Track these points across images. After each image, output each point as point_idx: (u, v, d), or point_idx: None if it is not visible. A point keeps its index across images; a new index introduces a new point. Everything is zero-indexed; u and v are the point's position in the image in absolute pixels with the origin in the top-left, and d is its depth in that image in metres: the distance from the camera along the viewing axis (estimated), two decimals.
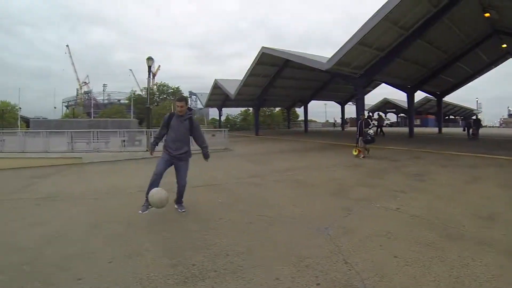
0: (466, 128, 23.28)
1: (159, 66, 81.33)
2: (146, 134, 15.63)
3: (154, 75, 79.73)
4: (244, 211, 5.21)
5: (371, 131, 11.63)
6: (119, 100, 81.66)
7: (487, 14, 17.18)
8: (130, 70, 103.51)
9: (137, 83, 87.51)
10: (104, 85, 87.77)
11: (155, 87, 71.90)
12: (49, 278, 3.08)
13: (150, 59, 17.53)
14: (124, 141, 15.03)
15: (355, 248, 3.65)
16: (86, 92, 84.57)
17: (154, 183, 4.96)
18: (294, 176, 8.36)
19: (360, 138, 11.85)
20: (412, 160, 11.02)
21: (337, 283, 2.87)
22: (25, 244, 3.93)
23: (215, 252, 3.57)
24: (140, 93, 73.68)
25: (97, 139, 14.89)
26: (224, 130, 18.18)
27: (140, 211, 5.03)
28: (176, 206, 5.30)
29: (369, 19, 14.67)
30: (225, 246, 3.74)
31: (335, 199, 5.99)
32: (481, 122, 25.07)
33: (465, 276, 2.98)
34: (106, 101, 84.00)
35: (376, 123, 25.28)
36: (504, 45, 23.17)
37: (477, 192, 6.32)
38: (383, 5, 14.02)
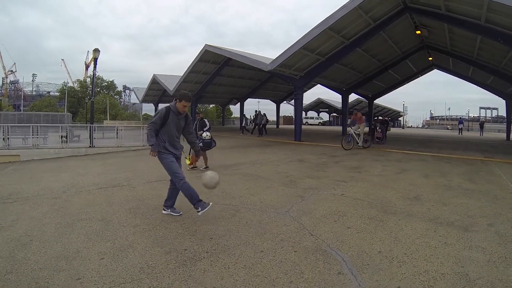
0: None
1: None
2: (90, 129, 15.19)
3: (87, 66, 75.36)
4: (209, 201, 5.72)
5: (205, 134, 9.03)
6: (48, 92, 75.87)
7: (418, 32, 19.76)
8: (62, 60, 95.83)
9: (69, 75, 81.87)
10: (34, 75, 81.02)
11: (88, 79, 68.23)
12: (45, 281, 2.96)
13: (96, 50, 16.64)
14: (64, 136, 14.56)
15: (316, 224, 4.53)
16: (12, 82, 77.60)
17: (189, 186, 4.72)
18: (243, 171, 8.99)
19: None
20: (348, 156, 12.42)
21: (309, 249, 3.70)
22: None
23: (199, 237, 3.98)
24: (73, 85, 69.31)
25: (37, 135, 14.14)
26: None
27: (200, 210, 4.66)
28: (169, 211, 5.01)
29: (315, 27, 15.97)
30: (206, 231, 4.19)
31: (287, 189, 6.78)
32: (389, 124, 23.82)
33: (401, 236, 4.11)
34: (34, 93, 77.63)
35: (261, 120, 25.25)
36: (431, 58, 26.67)
37: (405, 181, 7.70)
38: (328, 16, 15.42)
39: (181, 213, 4.98)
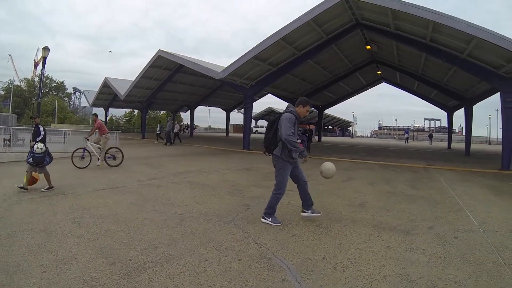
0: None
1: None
2: None
3: (36, 65, 70.92)
4: (155, 210, 5.57)
5: (36, 147, 6.83)
6: None
7: (368, 47, 20.91)
8: (10, 55, 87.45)
9: (16, 72, 76.00)
10: None
11: (37, 78, 63.98)
12: None
13: (46, 49, 15.96)
14: (7, 140, 13.60)
15: (260, 232, 4.51)
16: None
17: (279, 201, 5.01)
18: (190, 179, 8.87)
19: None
20: None
21: (254, 257, 3.67)
22: None
23: (144, 246, 3.90)
24: (19, 84, 64.69)
25: None
26: (116, 133, 17.64)
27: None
28: (309, 212, 5.18)
29: (268, 37, 16.32)
30: (151, 240, 4.11)
31: (233, 197, 6.77)
32: (313, 133, 23.15)
33: (345, 242, 4.20)
34: None
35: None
36: (379, 72, 28.28)
37: (351, 188, 7.99)
38: (282, 27, 15.84)
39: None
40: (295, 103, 5.07)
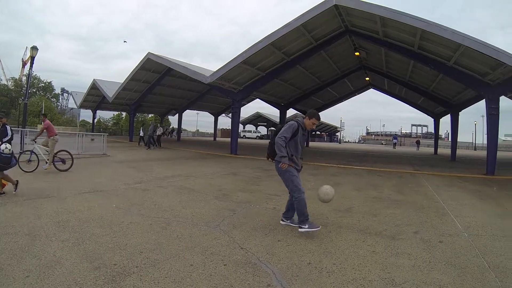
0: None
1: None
2: (21, 134, 14.02)
3: (24, 64, 69.95)
4: (140, 214, 5.52)
5: (4, 147, 6.59)
6: None
7: (357, 53, 21.03)
8: None
9: (3, 71, 74.58)
10: None
11: (24, 78, 63.09)
12: None
13: (34, 48, 15.74)
14: None
15: (246, 237, 4.49)
16: None
17: (305, 201, 4.81)
18: (177, 183, 8.82)
19: None
20: None
21: (239, 262, 3.64)
22: None
23: (129, 251, 3.87)
24: (6, 83, 63.63)
25: None
26: (103, 135, 17.40)
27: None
28: (288, 222, 5.17)
29: (257, 42, 16.36)
30: (137, 245, 4.07)
31: (219, 202, 6.73)
32: None
33: (331, 247, 4.21)
34: None
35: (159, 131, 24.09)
36: (367, 78, 28.64)
37: (338, 194, 7.81)
38: (272, 32, 15.86)
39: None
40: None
